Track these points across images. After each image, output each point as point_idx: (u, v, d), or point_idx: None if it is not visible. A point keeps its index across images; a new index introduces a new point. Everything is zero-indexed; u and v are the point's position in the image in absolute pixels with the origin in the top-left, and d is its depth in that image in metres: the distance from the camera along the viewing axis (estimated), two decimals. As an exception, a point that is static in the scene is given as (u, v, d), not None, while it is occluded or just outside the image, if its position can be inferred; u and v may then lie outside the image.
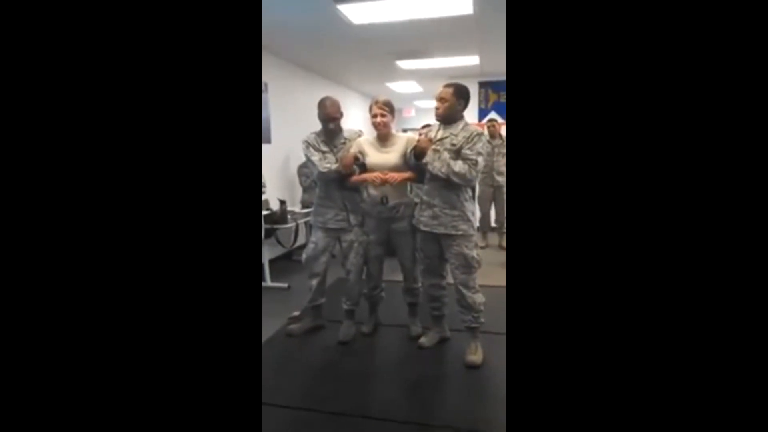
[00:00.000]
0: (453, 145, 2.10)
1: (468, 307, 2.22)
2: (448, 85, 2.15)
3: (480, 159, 2.07)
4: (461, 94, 2.14)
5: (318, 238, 2.51)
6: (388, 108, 2.28)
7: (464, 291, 2.20)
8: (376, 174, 2.22)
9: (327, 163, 2.33)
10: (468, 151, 2.07)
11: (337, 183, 2.38)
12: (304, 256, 2.58)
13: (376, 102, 2.27)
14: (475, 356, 2.23)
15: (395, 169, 2.25)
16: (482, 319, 2.25)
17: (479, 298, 2.22)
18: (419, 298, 2.56)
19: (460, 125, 2.14)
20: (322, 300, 2.67)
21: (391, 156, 2.28)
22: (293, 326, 2.66)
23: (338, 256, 2.65)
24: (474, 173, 2.06)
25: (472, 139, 2.07)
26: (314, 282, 2.57)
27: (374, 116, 2.27)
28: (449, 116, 2.14)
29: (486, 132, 3.28)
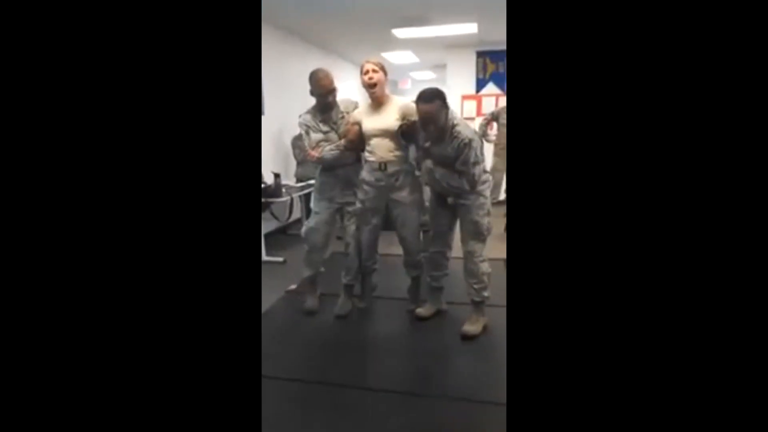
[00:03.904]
0: (445, 157, 2.06)
1: (471, 273, 2.21)
2: (425, 99, 1.98)
3: (476, 168, 2.04)
4: (444, 103, 2.01)
5: (321, 209, 2.41)
6: (380, 67, 2.18)
7: (470, 257, 2.20)
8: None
9: (334, 148, 2.25)
10: (462, 167, 2.03)
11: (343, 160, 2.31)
12: (304, 228, 2.50)
13: (368, 61, 2.18)
14: (471, 326, 2.23)
15: (390, 132, 2.18)
16: (486, 293, 2.23)
17: (484, 267, 2.21)
18: (422, 270, 2.49)
19: (446, 136, 2.04)
20: (321, 270, 2.65)
21: (385, 119, 2.19)
22: (309, 304, 2.58)
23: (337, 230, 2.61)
24: (473, 183, 2.05)
25: (462, 150, 2.00)
26: (315, 255, 2.51)
27: (365, 73, 2.17)
28: (440, 135, 2.04)
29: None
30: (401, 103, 2.22)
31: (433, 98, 1.97)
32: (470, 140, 2.01)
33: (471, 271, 2.22)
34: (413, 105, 2.20)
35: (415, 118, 2.12)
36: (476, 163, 2.02)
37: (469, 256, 2.20)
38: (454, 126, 2.03)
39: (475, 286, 2.23)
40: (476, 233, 2.17)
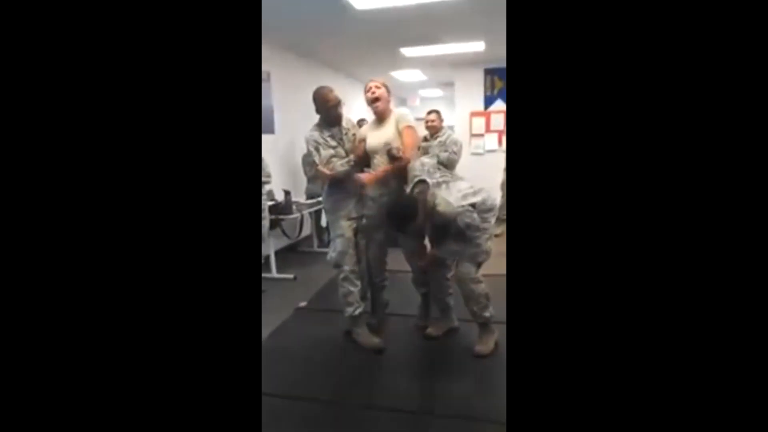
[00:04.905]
0: (435, 230, 2.11)
1: (468, 297, 2.16)
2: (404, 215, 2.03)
3: (476, 233, 2.06)
4: (426, 187, 2.03)
5: (343, 229, 2.33)
6: (383, 85, 2.23)
7: (463, 278, 2.14)
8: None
9: (345, 163, 2.26)
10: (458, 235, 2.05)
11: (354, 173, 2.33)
12: (332, 253, 2.37)
13: (371, 80, 2.24)
14: (482, 346, 2.19)
15: (390, 144, 2.18)
16: (487, 313, 2.17)
17: (480, 289, 2.14)
18: (431, 286, 2.46)
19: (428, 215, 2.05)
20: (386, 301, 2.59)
21: (385, 132, 2.22)
22: (373, 341, 2.35)
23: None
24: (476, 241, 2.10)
25: (452, 225, 2.03)
26: (353, 276, 2.33)
27: (368, 90, 2.22)
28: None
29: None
30: (398, 114, 2.26)
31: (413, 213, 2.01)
32: (456, 215, 1.98)
33: (467, 296, 2.16)
34: (405, 112, 2.27)
35: (407, 123, 2.20)
36: (477, 228, 2.04)
37: (462, 277, 2.14)
38: (435, 206, 2.00)
39: (475, 309, 2.17)
40: (473, 255, 2.11)
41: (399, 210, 2.06)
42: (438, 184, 2.07)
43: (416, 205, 2.00)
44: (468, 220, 2.01)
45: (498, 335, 2.23)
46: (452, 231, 2.06)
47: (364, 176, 2.21)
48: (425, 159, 2.17)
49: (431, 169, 2.10)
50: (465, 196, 2.04)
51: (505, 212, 4.66)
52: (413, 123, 2.26)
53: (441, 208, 2.00)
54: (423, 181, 2.03)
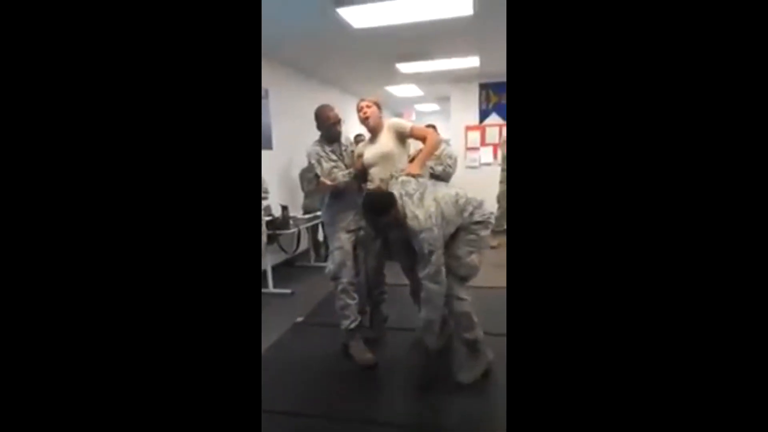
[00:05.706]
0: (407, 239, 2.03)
1: (452, 314, 2.09)
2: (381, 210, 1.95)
3: (433, 257, 1.89)
4: (394, 203, 1.95)
5: (342, 241, 2.35)
6: (373, 102, 2.32)
7: (449, 293, 2.06)
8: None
9: (346, 174, 2.33)
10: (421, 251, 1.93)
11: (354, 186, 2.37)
12: (330, 266, 2.39)
13: (362, 99, 2.33)
14: (465, 374, 2.08)
15: (386, 156, 2.23)
16: (469, 335, 2.06)
17: (462, 307, 2.05)
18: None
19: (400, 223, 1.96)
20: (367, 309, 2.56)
21: (380, 146, 2.27)
22: (366, 356, 2.33)
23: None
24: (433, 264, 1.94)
25: (418, 241, 1.92)
26: (351, 289, 2.35)
27: (359, 110, 2.30)
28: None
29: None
30: (390, 122, 2.32)
31: (388, 209, 1.94)
32: (420, 232, 1.86)
33: (452, 313, 2.08)
34: (397, 119, 2.35)
35: (405, 129, 2.25)
36: (431, 251, 1.87)
37: (448, 293, 1.99)
38: (405, 216, 1.93)
39: (457, 328, 2.10)
40: (456, 269, 2.00)
41: (369, 201, 1.99)
42: (410, 195, 1.95)
43: (388, 199, 1.94)
44: (431, 244, 1.86)
45: (492, 353, 2.12)
46: (420, 252, 1.93)
47: (413, 167, 2.13)
48: (400, 173, 2.12)
49: (404, 179, 2.04)
50: (439, 208, 1.92)
51: (501, 224, 4.68)
52: (408, 125, 2.30)
53: (409, 221, 1.91)
54: (391, 194, 1.97)
